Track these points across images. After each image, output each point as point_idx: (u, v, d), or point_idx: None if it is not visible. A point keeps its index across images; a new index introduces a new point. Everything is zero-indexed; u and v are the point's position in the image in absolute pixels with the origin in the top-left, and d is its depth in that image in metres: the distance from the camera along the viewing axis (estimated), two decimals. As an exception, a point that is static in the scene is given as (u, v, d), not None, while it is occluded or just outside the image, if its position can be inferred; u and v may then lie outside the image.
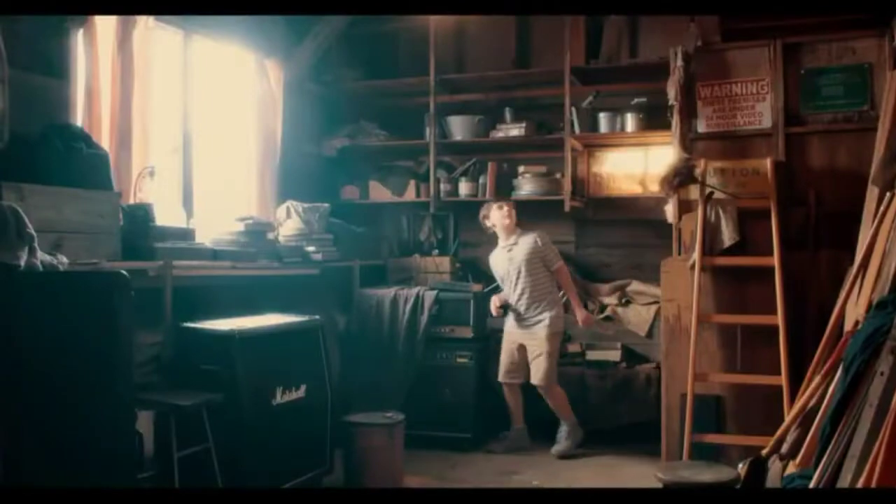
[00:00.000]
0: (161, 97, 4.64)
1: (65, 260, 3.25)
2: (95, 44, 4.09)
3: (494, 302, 5.34)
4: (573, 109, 5.77)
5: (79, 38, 4.06)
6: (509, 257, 5.30)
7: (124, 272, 3.10)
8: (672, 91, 4.66)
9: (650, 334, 5.46)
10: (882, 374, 2.76)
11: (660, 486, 3.45)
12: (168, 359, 3.94)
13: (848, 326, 3.74)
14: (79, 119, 4.05)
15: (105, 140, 4.12)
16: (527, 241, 5.26)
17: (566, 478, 4.68)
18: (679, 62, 4.63)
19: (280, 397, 4.02)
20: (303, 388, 4.19)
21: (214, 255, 4.40)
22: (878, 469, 2.37)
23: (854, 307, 3.74)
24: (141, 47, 4.34)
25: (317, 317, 4.53)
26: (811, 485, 2.95)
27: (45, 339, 2.89)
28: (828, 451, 2.97)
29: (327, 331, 4.66)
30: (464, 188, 6.08)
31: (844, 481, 2.70)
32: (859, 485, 2.38)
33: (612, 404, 5.36)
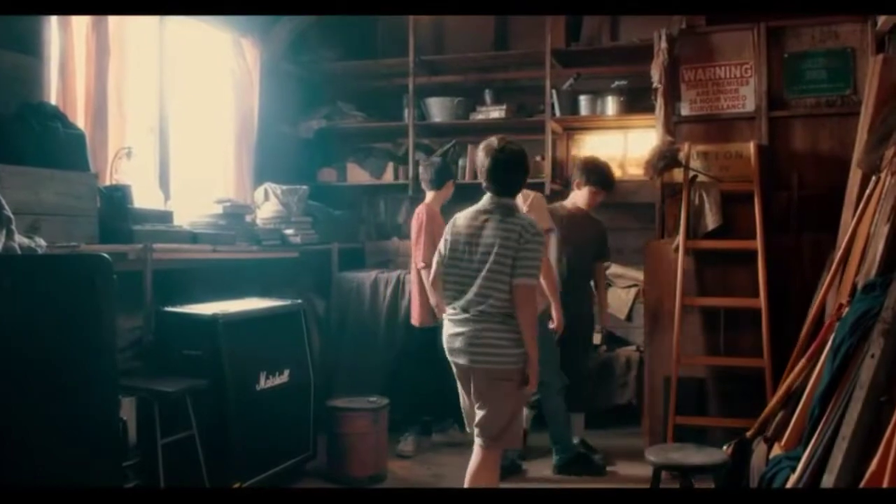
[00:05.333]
0: (137, 76, 4.52)
1: (43, 243, 3.15)
2: (70, 20, 3.96)
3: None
4: (554, 92, 5.74)
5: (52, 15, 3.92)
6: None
7: (106, 255, 3.02)
8: (656, 74, 4.64)
9: (630, 317, 5.49)
10: (873, 356, 2.78)
11: (650, 468, 3.45)
12: (149, 344, 3.87)
13: (831, 310, 3.78)
14: (52, 97, 3.92)
15: (80, 119, 4.01)
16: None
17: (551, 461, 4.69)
18: (663, 45, 4.61)
19: (264, 382, 3.98)
20: (286, 372, 4.15)
21: (194, 238, 4.31)
22: (891, 457, 2.36)
23: (837, 290, 3.77)
24: (116, 24, 4.21)
25: (299, 301, 4.48)
26: (800, 466, 2.97)
27: (25, 325, 2.79)
28: (817, 433, 2.99)
29: (308, 315, 4.60)
30: (443, 171, 6.03)
31: (835, 461, 2.72)
32: (867, 475, 2.38)
33: (593, 387, 5.37)
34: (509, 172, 3.32)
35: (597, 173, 4.60)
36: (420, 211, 4.81)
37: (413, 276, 4.88)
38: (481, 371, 3.24)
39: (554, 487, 4.18)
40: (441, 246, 3.41)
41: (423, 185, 4.94)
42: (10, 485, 2.56)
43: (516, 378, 3.24)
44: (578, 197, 4.66)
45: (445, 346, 3.37)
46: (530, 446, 4.81)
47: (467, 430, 3.46)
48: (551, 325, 4.31)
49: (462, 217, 3.39)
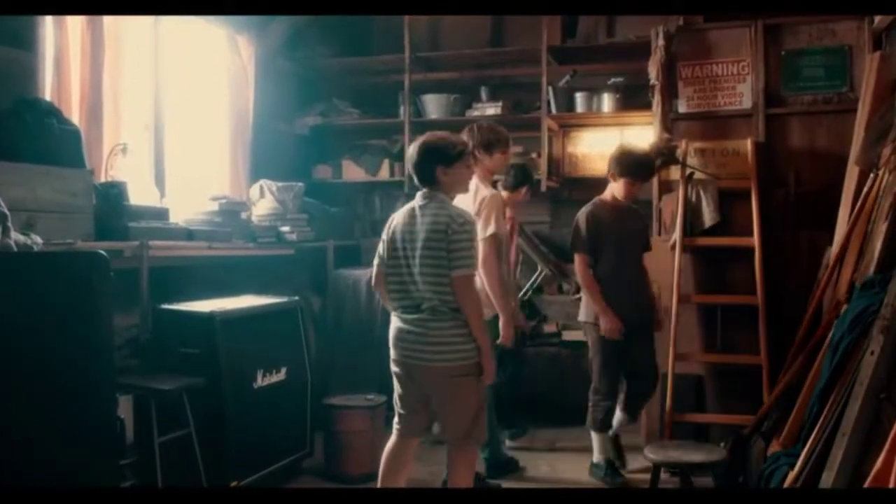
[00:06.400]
0: (132, 72, 4.49)
1: (39, 240, 3.13)
2: (64, 16, 3.93)
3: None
4: (550, 89, 5.73)
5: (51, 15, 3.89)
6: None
7: (103, 252, 2.99)
8: (653, 71, 4.65)
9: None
10: (872, 353, 2.79)
11: (650, 465, 3.46)
12: (146, 341, 3.85)
13: (828, 307, 3.78)
14: (47, 93, 3.89)
15: (75, 115, 3.98)
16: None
17: (547, 458, 4.69)
18: (660, 42, 4.62)
19: (261, 380, 3.96)
20: (283, 370, 4.13)
21: (189, 235, 4.29)
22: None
23: (834, 287, 3.78)
24: (111, 20, 4.18)
25: (296, 298, 4.46)
26: (799, 462, 2.98)
27: (21, 323, 2.77)
28: (816, 429, 3.00)
29: (304, 312, 4.59)
30: (438, 168, 6.00)
31: (835, 458, 2.73)
32: (872, 474, 2.37)
33: (588, 384, 5.35)
34: (422, 162, 3.27)
35: (630, 164, 4.26)
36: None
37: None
38: (438, 370, 3.19)
39: (554, 487, 4.17)
40: (380, 247, 3.38)
41: (503, 187, 4.87)
42: (7, 485, 2.54)
43: (474, 372, 3.21)
44: (615, 189, 4.33)
45: (394, 344, 3.31)
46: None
47: (395, 427, 3.40)
48: (498, 341, 3.95)
49: (399, 215, 3.37)
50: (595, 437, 4.33)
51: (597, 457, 4.33)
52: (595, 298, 4.20)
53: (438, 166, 3.25)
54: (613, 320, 4.14)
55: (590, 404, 4.35)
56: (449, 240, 3.14)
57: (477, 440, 3.34)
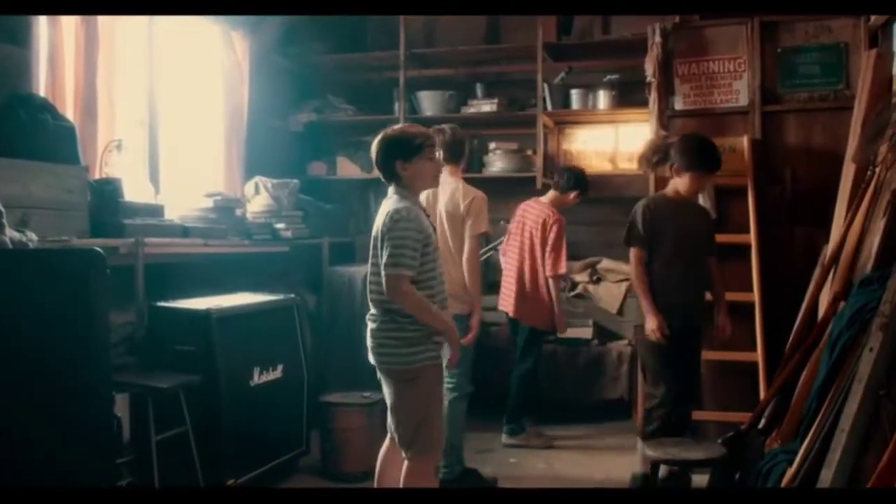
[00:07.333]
0: (126, 68, 4.46)
1: (34, 237, 3.10)
2: (59, 11, 3.90)
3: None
4: (545, 86, 5.73)
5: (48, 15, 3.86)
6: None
7: (100, 250, 2.97)
8: (650, 68, 4.64)
9: (621, 311, 5.48)
10: (871, 349, 2.79)
11: (648, 463, 3.45)
12: (141, 339, 3.82)
13: (824, 304, 3.79)
14: (41, 89, 3.86)
15: (69, 112, 3.95)
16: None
17: (544, 456, 4.69)
18: (657, 39, 4.61)
19: (258, 378, 3.95)
20: (280, 367, 4.12)
21: (185, 231, 4.26)
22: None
23: (830, 285, 3.78)
24: (105, 16, 4.15)
25: (292, 295, 4.45)
26: (797, 459, 2.98)
27: (16, 321, 2.75)
28: (814, 426, 3.01)
29: (301, 309, 4.57)
30: (434, 165, 6.00)
31: (834, 455, 2.73)
32: (877, 472, 2.37)
33: (585, 382, 5.38)
34: (380, 157, 3.11)
35: (698, 155, 3.88)
36: (552, 213, 4.79)
37: (552, 285, 4.78)
38: (384, 371, 3.11)
39: (552, 487, 4.16)
40: None
41: (553, 186, 4.96)
42: (3, 484, 2.52)
43: (421, 377, 3.02)
44: (679, 184, 3.95)
45: None
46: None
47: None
48: (463, 341, 3.63)
49: None
50: (641, 446, 3.93)
51: (641, 466, 3.99)
52: (642, 295, 3.90)
53: (397, 160, 3.05)
54: (656, 321, 3.82)
55: (644, 411, 4.05)
56: (383, 238, 2.99)
57: (420, 452, 3.09)
